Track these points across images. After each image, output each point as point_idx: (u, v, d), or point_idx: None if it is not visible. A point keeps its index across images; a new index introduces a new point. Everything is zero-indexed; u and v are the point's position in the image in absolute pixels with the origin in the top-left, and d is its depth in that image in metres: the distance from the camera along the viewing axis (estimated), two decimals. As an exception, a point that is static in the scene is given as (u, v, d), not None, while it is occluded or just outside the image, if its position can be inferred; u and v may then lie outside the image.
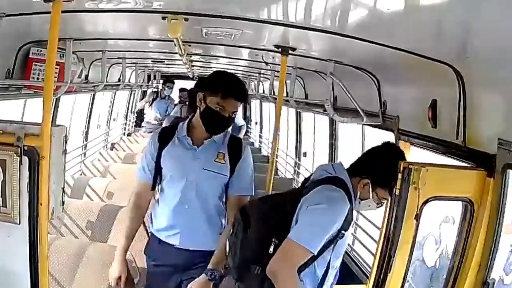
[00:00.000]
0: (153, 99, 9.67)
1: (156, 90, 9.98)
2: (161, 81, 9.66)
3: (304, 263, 2.08)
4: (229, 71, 7.50)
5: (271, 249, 2.11)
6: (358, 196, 2.23)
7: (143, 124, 10.20)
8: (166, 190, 2.75)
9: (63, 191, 2.32)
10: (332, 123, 5.74)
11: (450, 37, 2.01)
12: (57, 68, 3.18)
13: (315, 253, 2.06)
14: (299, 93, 5.44)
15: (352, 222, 2.29)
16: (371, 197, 2.19)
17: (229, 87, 2.61)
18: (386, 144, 2.38)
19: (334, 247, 2.14)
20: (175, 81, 9.49)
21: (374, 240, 3.90)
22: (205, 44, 3.93)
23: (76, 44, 3.34)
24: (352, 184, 2.22)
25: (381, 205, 2.27)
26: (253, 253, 2.19)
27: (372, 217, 4.37)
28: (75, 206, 4.25)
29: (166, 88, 9.26)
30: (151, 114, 9.49)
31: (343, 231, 2.12)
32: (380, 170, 2.22)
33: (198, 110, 2.68)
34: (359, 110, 3.40)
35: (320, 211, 2.08)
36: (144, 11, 2.58)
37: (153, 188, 2.78)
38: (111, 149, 8.70)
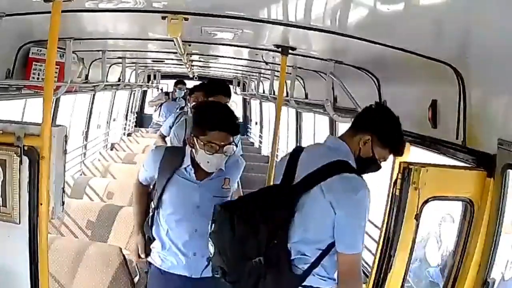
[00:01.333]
0: (163, 102, 9.36)
1: (166, 91, 9.77)
2: (169, 82, 9.44)
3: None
4: (229, 71, 7.17)
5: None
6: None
7: (152, 125, 10.02)
8: None
9: (63, 191, 2.32)
10: (332, 123, 5.74)
11: (450, 37, 2.01)
12: (57, 68, 3.18)
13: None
14: (299, 93, 5.44)
15: None
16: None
17: (402, 140, 2.27)
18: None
19: None
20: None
21: (374, 240, 3.90)
22: (205, 43, 3.93)
23: (76, 44, 3.34)
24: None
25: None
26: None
27: (372, 217, 4.37)
28: (75, 206, 4.26)
29: (178, 90, 8.86)
30: (161, 118, 9.15)
31: None
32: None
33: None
34: (359, 110, 3.39)
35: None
36: (144, 11, 2.57)
37: None
38: (111, 149, 8.71)
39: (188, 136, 2.70)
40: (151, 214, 2.85)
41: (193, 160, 2.70)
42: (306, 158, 2.26)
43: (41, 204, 2.10)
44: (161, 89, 10.34)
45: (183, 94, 8.63)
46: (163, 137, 5.04)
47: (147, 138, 9.14)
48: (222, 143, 2.58)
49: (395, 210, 2.15)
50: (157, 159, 2.78)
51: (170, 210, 2.73)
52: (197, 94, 5.25)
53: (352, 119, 2.32)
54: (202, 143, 2.58)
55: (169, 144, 3.92)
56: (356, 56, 3.22)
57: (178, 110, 7.26)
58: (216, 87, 3.84)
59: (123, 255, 3.27)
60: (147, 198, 2.94)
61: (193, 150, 2.65)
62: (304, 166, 2.21)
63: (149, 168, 2.84)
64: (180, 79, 9.09)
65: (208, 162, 2.62)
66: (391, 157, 3.28)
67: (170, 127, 4.90)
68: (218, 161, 2.62)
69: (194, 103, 5.02)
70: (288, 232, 2.14)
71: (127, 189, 5.16)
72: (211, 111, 2.73)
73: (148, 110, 11.17)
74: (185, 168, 2.72)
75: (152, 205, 2.85)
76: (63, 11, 2.00)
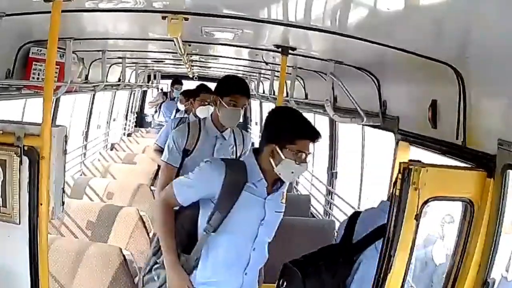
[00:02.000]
0: (162, 102, 9.41)
1: (165, 91, 9.84)
2: (169, 82, 9.49)
3: None
4: (229, 71, 7.09)
5: None
6: None
7: (153, 125, 10.05)
8: None
9: (63, 191, 2.32)
10: (332, 123, 5.74)
11: (450, 37, 2.01)
12: (57, 68, 3.18)
13: None
14: (299, 93, 5.44)
15: None
16: None
17: None
18: None
19: None
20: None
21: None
22: (205, 44, 3.93)
23: (76, 44, 3.34)
24: None
25: None
26: None
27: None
28: (75, 206, 4.26)
29: (175, 90, 8.85)
30: (161, 117, 9.18)
31: None
32: None
33: None
34: (359, 110, 3.40)
35: None
36: (144, 11, 2.58)
37: None
38: (111, 149, 8.71)
39: (270, 145, 2.37)
40: (199, 242, 2.43)
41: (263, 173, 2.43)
42: (363, 221, 2.54)
43: (41, 204, 2.10)
44: (161, 89, 10.37)
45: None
46: (160, 151, 4.15)
47: (147, 138, 9.15)
48: (308, 152, 2.39)
49: (395, 210, 2.15)
50: (220, 176, 2.37)
51: (232, 232, 2.41)
52: (203, 96, 4.56)
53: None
54: (292, 152, 2.33)
55: (166, 152, 3.27)
56: (356, 56, 3.22)
57: (176, 113, 6.99)
58: (236, 86, 3.15)
59: (123, 256, 3.27)
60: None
61: (272, 160, 2.36)
62: (361, 227, 2.50)
63: (204, 187, 2.41)
64: (176, 79, 9.14)
65: (292, 172, 2.39)
66: (391, 158, 3.29)
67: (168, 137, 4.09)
68: (301, 171, 2.45)
69: (200, 106, 4.47)
70: (347, 286, 2.41)
71: (127, 189, 5.17)
72: (297, 118, 2.44)
73: (148, 110, 11.18)
74: (253, 183, 2.41)
75: (203, 229, 2.41)
76: (63, 11, 2.01)
